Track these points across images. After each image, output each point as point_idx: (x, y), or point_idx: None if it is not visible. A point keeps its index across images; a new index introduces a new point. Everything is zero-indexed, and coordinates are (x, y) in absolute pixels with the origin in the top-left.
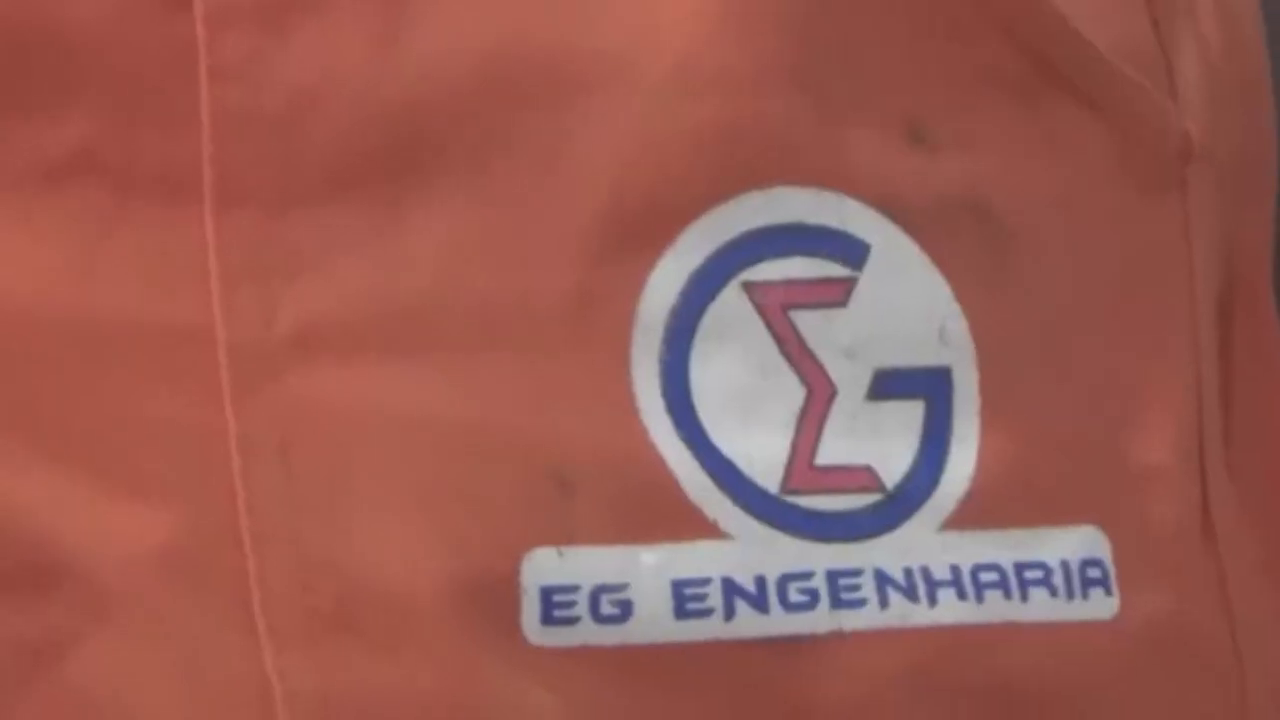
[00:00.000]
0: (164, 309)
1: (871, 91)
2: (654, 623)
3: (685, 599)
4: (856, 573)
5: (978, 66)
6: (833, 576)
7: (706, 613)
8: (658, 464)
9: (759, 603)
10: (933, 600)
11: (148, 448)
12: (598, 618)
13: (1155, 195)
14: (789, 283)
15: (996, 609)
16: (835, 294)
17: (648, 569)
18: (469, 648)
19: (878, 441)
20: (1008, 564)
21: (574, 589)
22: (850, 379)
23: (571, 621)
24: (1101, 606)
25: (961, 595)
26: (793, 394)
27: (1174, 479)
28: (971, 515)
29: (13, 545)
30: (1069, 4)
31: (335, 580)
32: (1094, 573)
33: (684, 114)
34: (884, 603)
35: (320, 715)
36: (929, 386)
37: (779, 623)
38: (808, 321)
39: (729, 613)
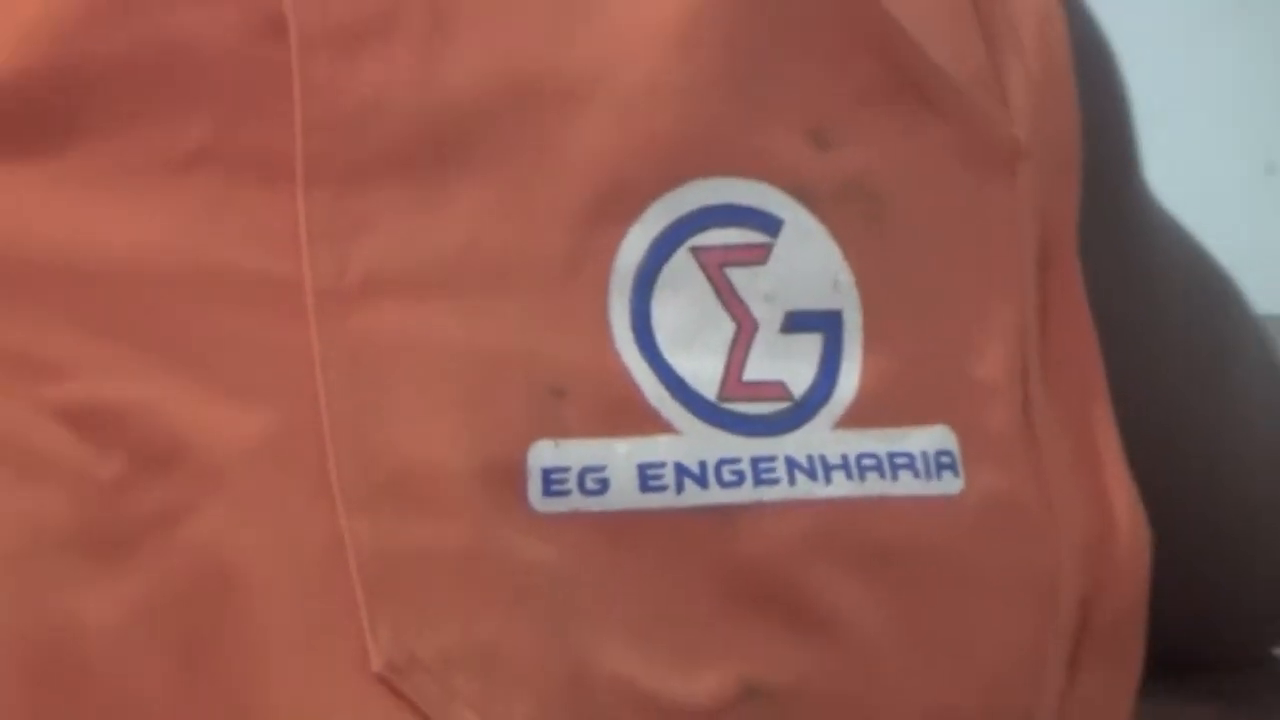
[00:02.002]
0: (264, 262)
1: (785, 103)
2: (624, 495)
3: (647, 478)
4: (772, 459)
5: (858, 84)
6: (755, 462)
7: (663, 488)
8: (627, 379)
9: (701, 481)
10: (828, 479)
11: (252, 365)
12: (584, 491)
13: (992, 183)
14: (725, 246)
15: (874, 486)
16: (758, 255)
17: (620, 456)
18: (489, 513)
19: (788, 363)
20: (883, 453)
21: (566, 470)
22: (768, 318)
23: (564, 494)
24: (951, 485)
25: (849, 475)
26: (726, 328)
27: (1005, 391)
28: (856, 417)
29: (149, 432)
30: (924, 36)
31: (390, 463)
32: (945, 460)
33: (650, 117)
34: (792, 481)
35: (379, 563)
36: (825, 323)
37: (715, 495)
38: (737, 275)
39: (679, 488)
